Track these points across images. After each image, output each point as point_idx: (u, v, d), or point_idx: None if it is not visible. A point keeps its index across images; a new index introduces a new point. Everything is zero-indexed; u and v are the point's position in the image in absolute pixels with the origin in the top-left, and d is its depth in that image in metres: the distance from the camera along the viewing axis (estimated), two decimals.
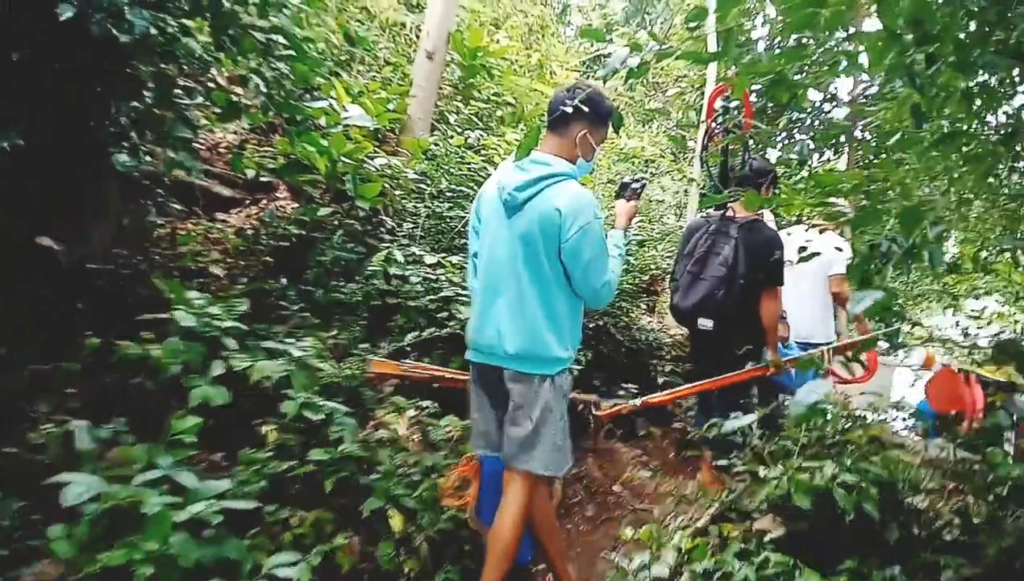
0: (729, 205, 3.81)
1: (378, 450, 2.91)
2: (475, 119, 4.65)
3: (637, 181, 2.75)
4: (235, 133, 4.79)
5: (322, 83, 3.46)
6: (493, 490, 2.60)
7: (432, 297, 3.38)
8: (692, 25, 1.94)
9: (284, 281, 3.46)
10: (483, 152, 4.20)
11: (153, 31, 2.00)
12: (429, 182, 4.03)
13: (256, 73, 2.68)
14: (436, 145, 4.28)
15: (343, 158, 3.54)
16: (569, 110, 2.19)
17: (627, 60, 1.82)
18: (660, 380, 4.64)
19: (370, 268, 3.49)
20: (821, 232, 4.71)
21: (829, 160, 10.51)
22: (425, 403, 3.40)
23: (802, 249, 4.03)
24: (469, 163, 4.02)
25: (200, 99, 3.16)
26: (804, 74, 2.23)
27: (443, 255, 3.60)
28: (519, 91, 5.17)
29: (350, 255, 3.69)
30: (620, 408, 3.52)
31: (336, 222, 3.82)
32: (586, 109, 2.22)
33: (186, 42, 2.27)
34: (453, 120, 4.33)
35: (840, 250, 4.52)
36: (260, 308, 3.41)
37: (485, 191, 2.51)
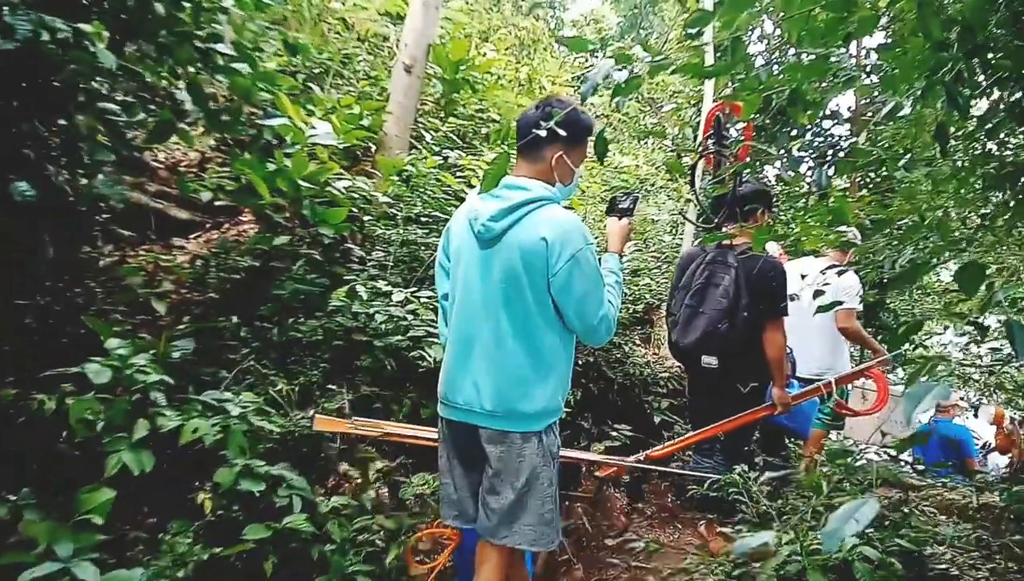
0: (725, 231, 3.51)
1: (332, 518, 2.54)
2: (454, 137, 4.29)
3: (628, 196, 2.44)
4: (197, 152, 4.43)
5: (284, 97, 3.10)
6: (471, 560, 2.25)
7: (401, 336, 3.01)
8: (693, 31, 1.61)
9: (235, 318, 3.08)
10: (462, 173, 3.84)
11: (45, 36, 1.66)
12: (403, 206, 3.67)
13: (192, 87, 2.32)
14: (412, 165, 3.92)
15: (303, 181, 3.18)
16: (543, 133, 1.86)
17: (612, 74, 1.48)
18: (656, 419, 4.27)
19: (333, 303, 3.13)
20: (838, 273, 4.43)
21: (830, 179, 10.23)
22: (397, 455, 3.05)
23: (803, 276, 3.71)
24: (446, 185, 3.66)
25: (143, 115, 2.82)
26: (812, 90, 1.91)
27: (414, 290, 3.23)
28: (505, 107, 4.83)
29: (311, 288, 3.32)
30: (621, 467, 3.14)
31: (299, 250, 3.46)
32: (560, 129, 1.89)
33: (95, 51, 1.91)
34: (430, 138, 3.98)
35: (847, 282, 4.29)
36: (208, 349, 3.04)
37: (454, 224, 2.19)
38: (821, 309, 3.50)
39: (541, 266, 1.94)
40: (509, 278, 1.97)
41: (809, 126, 9.01)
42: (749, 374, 3.47)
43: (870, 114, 7.18)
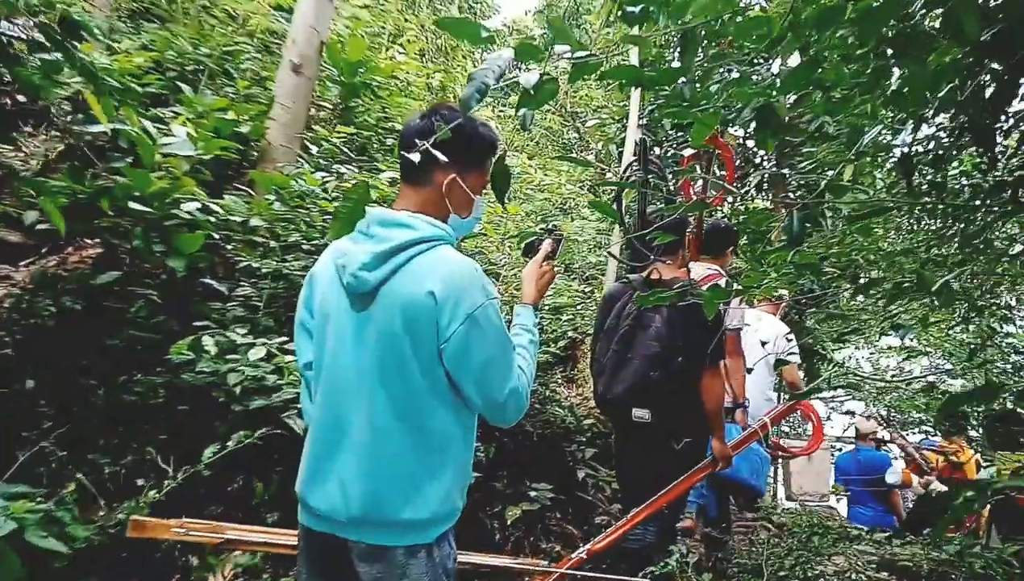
0: (653, 266, 3.08)
1: None
2: (347, 150, 3.67)
3: (550, 233, 1.94)
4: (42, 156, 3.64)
5: (104, 97, 2.41)
6: None
7: (264, 400, 2.38)
8: (634, 10, 1.13)
9: (35, 380, 2.36)
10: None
11: None
12: (281, 231, 3.02)
13: None
14: (298, 181, 3.28)
15: (136, 203, 2.50)
16: (434, 149, 1.34)
17: (515, 73, 0.97)
18: (580, 475, 3.77)
19: (174, 357, 2.46)
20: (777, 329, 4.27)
21: (752, 196, 10.15)
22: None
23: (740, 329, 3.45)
24: (329, 208, 3.04)
25: None
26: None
27: (284, 340, 2.60)
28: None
29: (153, 335, 2.64)
30: (563, 568, 2.57)
31: (136, 288, 2.76)
32: (451, 147, 1.49)
33: None
34: (316, 150, 3.35)
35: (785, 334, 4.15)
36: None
37: (318, 272, 1.64)
38: (779, 362, 3.27)
39: (429, 329, 1.46)
40: (388, 345, 1.47)
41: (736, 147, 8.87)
42: (684, 428, 3.01)
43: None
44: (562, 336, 4.09)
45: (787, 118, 1.34)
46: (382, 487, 1.48)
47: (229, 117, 3.66)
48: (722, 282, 3.65)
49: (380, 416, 1.47)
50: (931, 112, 1.34)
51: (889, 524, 6.59)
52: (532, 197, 7.96)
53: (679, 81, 1.37)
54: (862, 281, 1.90)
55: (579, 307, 4.50)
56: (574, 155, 11.38)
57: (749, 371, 3.91)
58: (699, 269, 3.48)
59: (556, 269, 1.94)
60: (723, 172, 3.94)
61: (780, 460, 6.00)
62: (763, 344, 3.58)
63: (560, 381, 4.26)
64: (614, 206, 3.25)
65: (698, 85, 1.47)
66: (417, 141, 1.49)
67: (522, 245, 1.99)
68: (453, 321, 1.45)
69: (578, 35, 14.27)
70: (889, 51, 1.16)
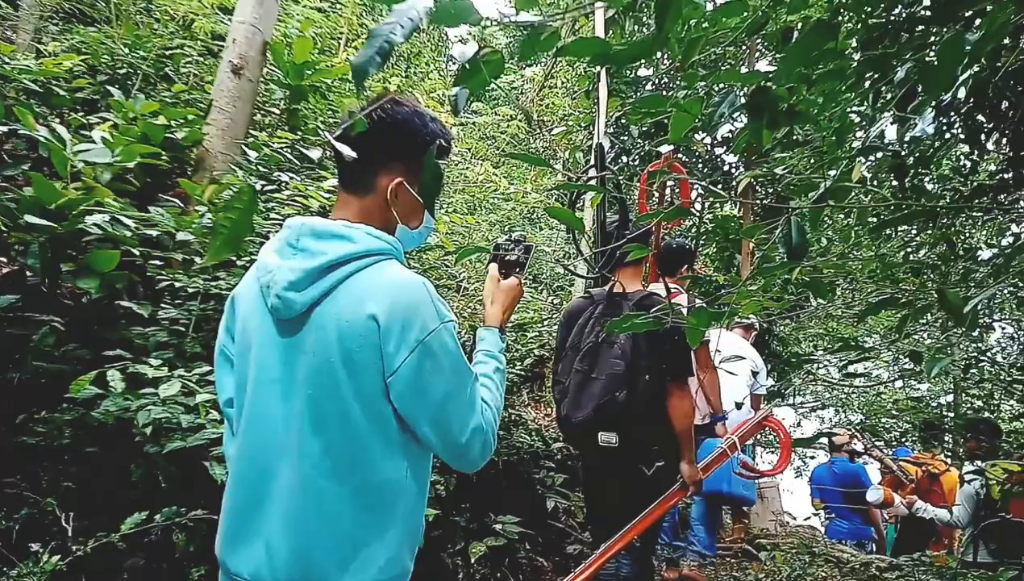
0: (617, 277, 2.90)
1: None
2: (291, 157, 3.37)
3: (517, 243, 1.67)
4: None
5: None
6: None
7: (181, 442, 2.06)
8: None
9: None
10: (303, 202, 2.92)
11: None
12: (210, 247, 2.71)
13: None
14: (231, 191, 2.97)
15: (34, 215, 2.18)
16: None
17: (415, 28, 0.71)
18: (551, 504, 3.50)
19: (81, 393, 2.13)
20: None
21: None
22: None
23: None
24: (271, 220, 2.74)
25: None
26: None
27: (206, 371, 2.29)
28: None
29: (60, 366, 2.31)
30: None
31: (52, 311, 2.43)
32: (396, 145, 1.31)
33: None
34: (255, 157, 3.05)
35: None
36: None
37: (240, 292, 1.38)
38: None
39: (372, 359, 1.20)
40: (322, 380, 1.22)
41: (699, 153, 8.76)
42: (654, 452, 2.80)
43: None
44: (528, 354, 3.82)
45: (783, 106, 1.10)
46: (315, 549, 1.21)
47: (160, 122, 3.34)
48: (683, 299, 3.48)
49: (312, 467, 1.21)
50: (949, 97, 1.11)
51: (867, 536, 6.46)
52: (498, 206, 7.71)
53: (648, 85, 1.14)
54: (870, 297, 1.68)
55: (547, 322, 4.24)
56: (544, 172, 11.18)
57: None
58: (655, 289, 3.32)
59: (524, 282, 1.68)
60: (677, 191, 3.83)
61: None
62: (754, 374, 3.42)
63: (527, 402, 4.00)
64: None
65: (678, 79, 1.24)
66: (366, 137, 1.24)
67: (489, 257, 1.69)
68: (401, 349, 1.20)
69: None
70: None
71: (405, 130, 1.31)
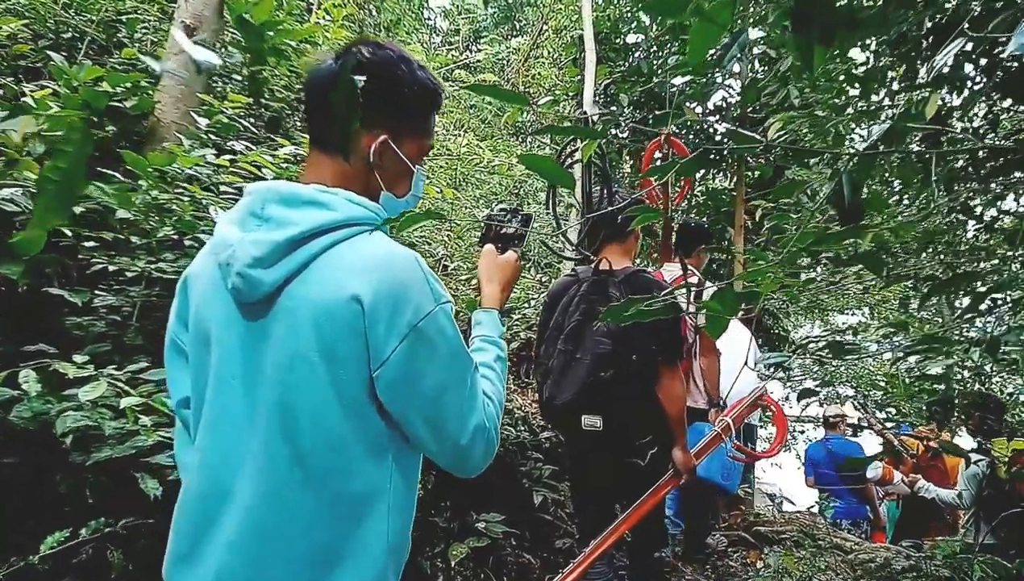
0: (603, 254, 2.77)
1: None
2: (245, 124, 3.05)
3: (514, 214, 1.54)
4: None
5: None
6: None
7: (109, 451, 1.79)
8: None
9: None
10: (260, 175, 2.62)
11: None
12: (154, 224, 2.42)
13: None
14: (180, 167, 2.66)
15: None
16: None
17: None
18: (538, 499, 3.27)
19: None
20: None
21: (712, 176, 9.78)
22: None
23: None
24: (224, 195, 2.44)
25: None
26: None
27: (141, 368, 2.01)
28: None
29: None
30: None
31: None
32: (380, 99, 1.14)
33: None
34: (205, 125, 2.73)
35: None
36: None
37: (194, 273, 1.18)
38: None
39: (355, 348, 1.03)
40: (294, 375, 1.03)
41: (692, 123, 8.47)
42: (646, 437, 2.63)
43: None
44: (514, 336, 3.57)
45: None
46: (280, 574, 1.02)
47: (103, 89, 3.02)
48: (694, 281, 3.29)
49: (279, 479, 1.03)
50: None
51: (863, 515, 6.34)
52: (484, 181, 7.41)
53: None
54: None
55: (533, 301, 3.99)
56: (528, 138, 10.85)
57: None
58: (670, 270, 3.14)
59: (521, 262, 1.48)
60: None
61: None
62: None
63: (512, 388, 3.75)
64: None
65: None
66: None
67: (483, 230, 1.53)
68: (391, 336, 1.01)
69: (528, 13, 13.73)
70: None
71: (390, 79, 1.13)
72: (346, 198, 1.09)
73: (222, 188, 2.40)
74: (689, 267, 3.24)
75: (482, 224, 1.56)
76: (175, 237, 2.33)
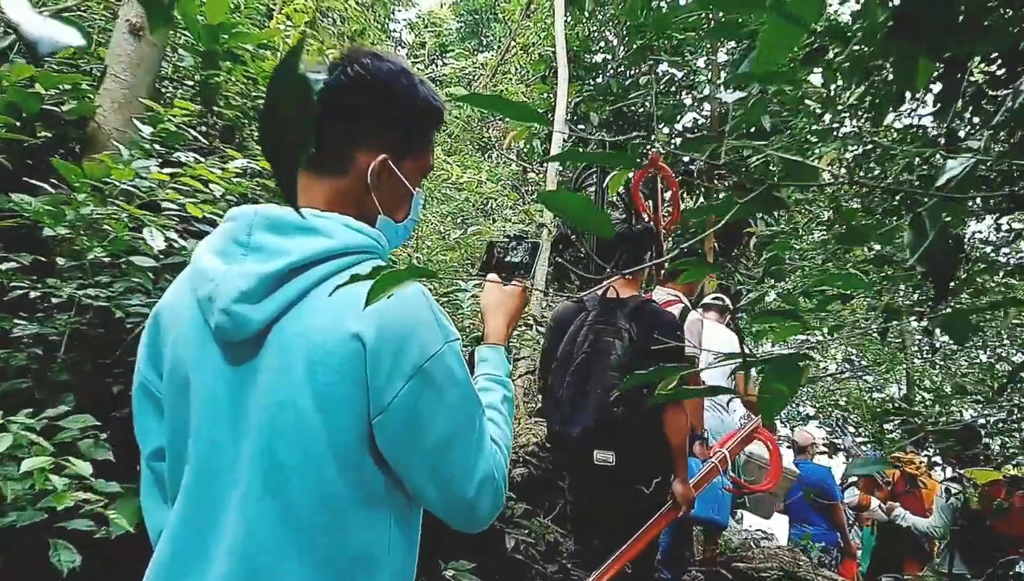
0: (610, 282, 2.80)
1: None
2: (194, 133, 2.78)
3: (520, 242, 1.42)
4: None
5: None
6: None
7: (13, 517, 1.51)
8: None
9: None
10: (180, 188, 2.34)
11: None
12: (86, 241, 2.14)
13: None
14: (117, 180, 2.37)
15: None
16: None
17: None
18: (510, 542, 3.04)
19: None
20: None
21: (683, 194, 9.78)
22: None
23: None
24: (167, 210, 2.17)
25: None
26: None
27: (60, 413, 1.74)
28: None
29: None
30: None
31: None
32: (378, 114, 1.05)
33: None
34: (148, 133, 2.47)
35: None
36: None
37: (167, 308, 1.05)
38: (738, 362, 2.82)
39: (353, 395, 0.92)
40: (282, 423, 0.92)
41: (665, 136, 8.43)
42: (652, 468, 2.68)
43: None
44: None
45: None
46: None
47: (35, 91, 2.73)
48: (676, 310, 3.19)
49: (263, 538, 0.90)
50: None
51: (833, 541, 6.27)
52: (451, 197, 7.21)
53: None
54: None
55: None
56: (494, 154, 10.71)
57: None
58: (660, 294, 3.05)
59: (530, 288, 1.38)
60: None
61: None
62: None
63: None
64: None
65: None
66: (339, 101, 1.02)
67: (483, 258, 1.44)
68: (394, 379, 0.91)
69: (495, 28, 13.66)
70: None
71: (391, 93, 1.04)
72: (342, 223, 0.98)
73: (164, 205, 2.13)
74: (673, 293, 3.17)
75: (482, 250, 1.50)
76: (106, 259, 2.05)
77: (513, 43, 10.89)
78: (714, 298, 4.61)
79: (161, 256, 2.05)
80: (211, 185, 2.15)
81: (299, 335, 0.92)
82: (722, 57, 8.51)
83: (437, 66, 14.19)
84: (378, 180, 1.04)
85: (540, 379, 2.94)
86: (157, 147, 2.46)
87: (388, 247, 1.06)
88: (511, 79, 10.52)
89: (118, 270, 2.16)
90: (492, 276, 1.35)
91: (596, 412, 2.55)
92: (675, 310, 3.09)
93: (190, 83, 3.73)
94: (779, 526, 6.63)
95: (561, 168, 5.97)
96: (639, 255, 2.77)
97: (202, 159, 2.40)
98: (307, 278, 0.94)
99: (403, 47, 15.25)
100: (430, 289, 4.16)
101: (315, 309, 0.93)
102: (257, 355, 0.94)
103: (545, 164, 7.58)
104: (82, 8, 3.92)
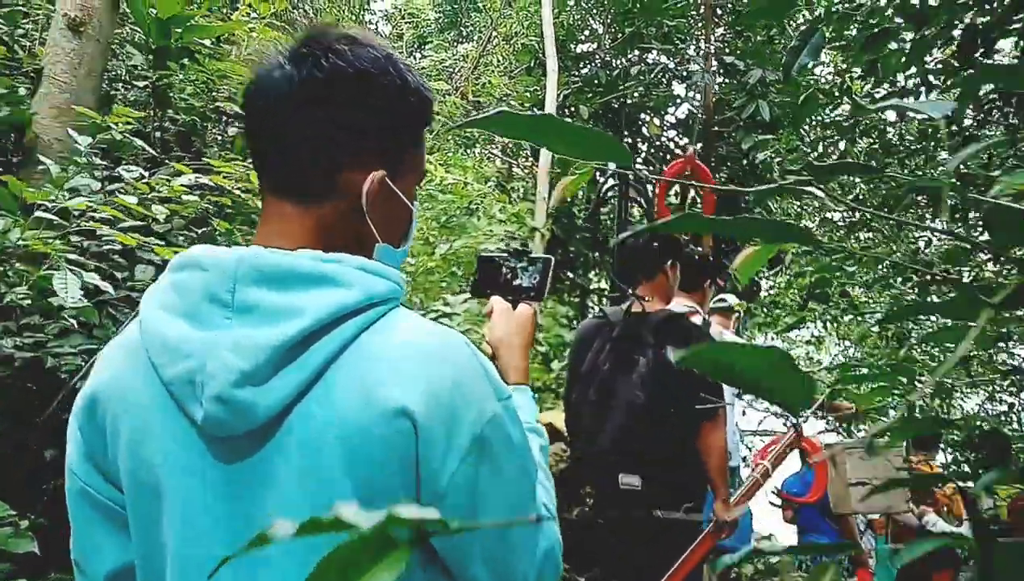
0: (634, 295, 2.63)
1: None
2: (140, 143, 2.41)
3: (519, 254, 1.20)
4: None
5: None
6: None
7: None
8: None
9: None
10: (114, 207, 1.98)
11: None
12: (11, 277, 1.79)
13: None
14: (63, 192, 2.01)
15: None
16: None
17: None
18: None
19: None
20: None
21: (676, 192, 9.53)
22: None
23: None
24: (96, 240, 1.82)
25: None
26: None
27: None
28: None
29: None
30: None
31: None
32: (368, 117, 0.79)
33: None
34: (86, 144, 2.10)
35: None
36: None
37: (108, 392, 0.75)
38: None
39: (403, 480, 0.71)
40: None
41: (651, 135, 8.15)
42: (682, 493, 2.50)
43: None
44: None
45: None
46: None
47: None
48: (698, 320, 2.96)
49: None
50: None
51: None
52: (435, 198, 6.87)
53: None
54: None
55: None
56: (477, 150, 10.36)
57: None
58: (676, 306, 2.82)
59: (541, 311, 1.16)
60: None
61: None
62: None
63: None
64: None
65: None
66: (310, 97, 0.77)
67: (477, 274, 1.20)
68: (449, 457, 0.72)
69: (476, 18, 13.28)
70: None
71: (379, 88, 0.79)
72: (357, 267, 0.76)
73: (96, 231, 1.78)
74: (690, 305, 2.96)
75: (476, 265, 1.23)
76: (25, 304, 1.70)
77: (495, 33, 10.54)
78: (718, 301, 4.37)
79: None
80: (154, 208, 1.79)
81: (327, 421, 0.72)
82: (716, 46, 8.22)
83: (416, 59, 13.78)
84: (370, 201, 0.80)
85: (565, 397, 2.87)
86: (97, 160, 2.10)
87: (402, 291, 0.82)
88: (494, 70, 10.18)
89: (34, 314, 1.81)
90: (498, 300, 1.13)
91: (619, 430, 2.46)
92: (695, 321, 2.90)
93: (143, 84, 3.36)
94: (788, 536, 6.42)
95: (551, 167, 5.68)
96: (654, 264, 2.66)
97: (145, 175, 2.04)
98: (329, 343, 0.72)
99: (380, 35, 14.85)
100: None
101: (342, 384, 0.72)
102: (263, 448, 0.73)
103: (534, 159, 7.28)
104: (20, 2, 3.53)
